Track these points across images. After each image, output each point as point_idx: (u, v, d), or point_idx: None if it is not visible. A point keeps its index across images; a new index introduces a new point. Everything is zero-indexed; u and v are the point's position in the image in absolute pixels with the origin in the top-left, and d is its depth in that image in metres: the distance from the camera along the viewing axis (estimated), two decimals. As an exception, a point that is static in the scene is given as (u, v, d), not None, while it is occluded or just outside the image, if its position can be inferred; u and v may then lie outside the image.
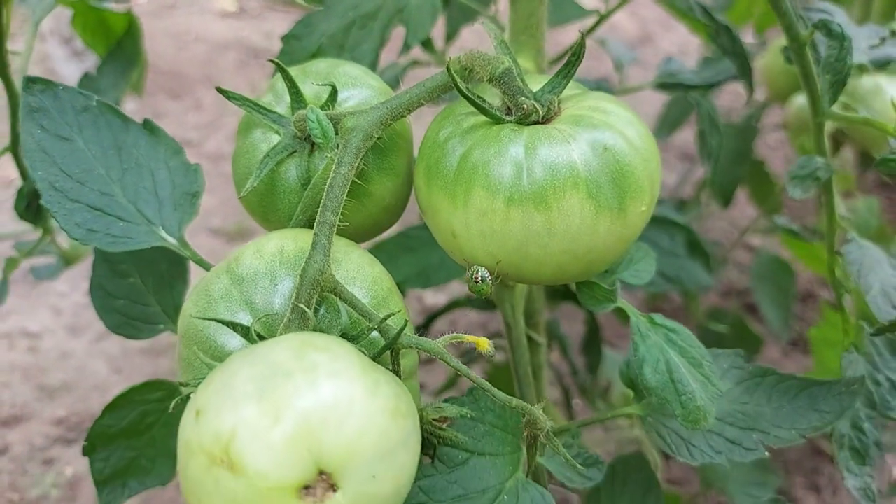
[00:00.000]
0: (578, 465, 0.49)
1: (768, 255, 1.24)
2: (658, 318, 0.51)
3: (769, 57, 1.12)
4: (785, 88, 1.13)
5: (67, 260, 0.91)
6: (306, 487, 0.30)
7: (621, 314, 0.52)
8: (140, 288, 0.58)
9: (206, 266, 0.51)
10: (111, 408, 0.62)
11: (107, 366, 1.17)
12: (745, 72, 0.78)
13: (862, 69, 0.73)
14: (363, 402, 0.31)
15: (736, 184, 1.14)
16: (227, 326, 0.37)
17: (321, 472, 0.30)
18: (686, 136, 1.45)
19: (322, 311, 0.39)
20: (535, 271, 0.43)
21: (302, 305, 0.37)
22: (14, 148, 0.76)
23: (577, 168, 0.40)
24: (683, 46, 1.95)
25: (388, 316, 0.38)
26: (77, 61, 1.78)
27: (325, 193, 0.39)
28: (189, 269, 0.60)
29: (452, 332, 0.40)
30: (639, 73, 1.61)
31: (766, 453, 0.54)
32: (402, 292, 0.61)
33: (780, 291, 1.23)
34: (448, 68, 0.40)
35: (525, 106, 0.41)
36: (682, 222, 0.85)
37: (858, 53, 0.69)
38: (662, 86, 0.90)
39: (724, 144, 1.10)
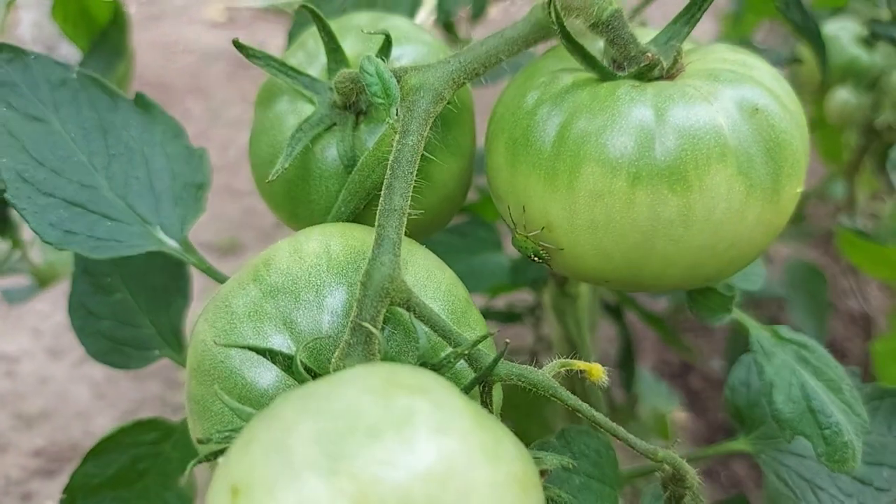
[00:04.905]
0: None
1: (800, 262, 1.17)
2: (784, 330, 0.41)
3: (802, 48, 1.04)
4: (817, 81, 1.05)
5: (41, 280, 0.79)
6: None
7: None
8: (130, 306, 0.47)
9: (216, 276, 0.40)
10: (96, 453, 0.51)
11: (89, 391, 1.11)
12: (818, 48, 0.70)
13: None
14: (485, 471, 0.21)
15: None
16: (261, 355, 0.27)
17: (428, 581, 0.20)
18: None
19: (387, 331, 0.29)
20: (657, 274, 0.32)
21: (367, 324, 0.26)
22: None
23: (723, 135, 0.30)
24: (705, 34, 1.89)
25: (482, 339, 0.27)
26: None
27: (389, 171, 0.29)
28: (191, 282, 0.49)
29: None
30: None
31: (905, 495, 0.45)
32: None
33: (814, 300, 1.18)
34: (552, 5, 0.30)
35: (649, 54, 0.31)
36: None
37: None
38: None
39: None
